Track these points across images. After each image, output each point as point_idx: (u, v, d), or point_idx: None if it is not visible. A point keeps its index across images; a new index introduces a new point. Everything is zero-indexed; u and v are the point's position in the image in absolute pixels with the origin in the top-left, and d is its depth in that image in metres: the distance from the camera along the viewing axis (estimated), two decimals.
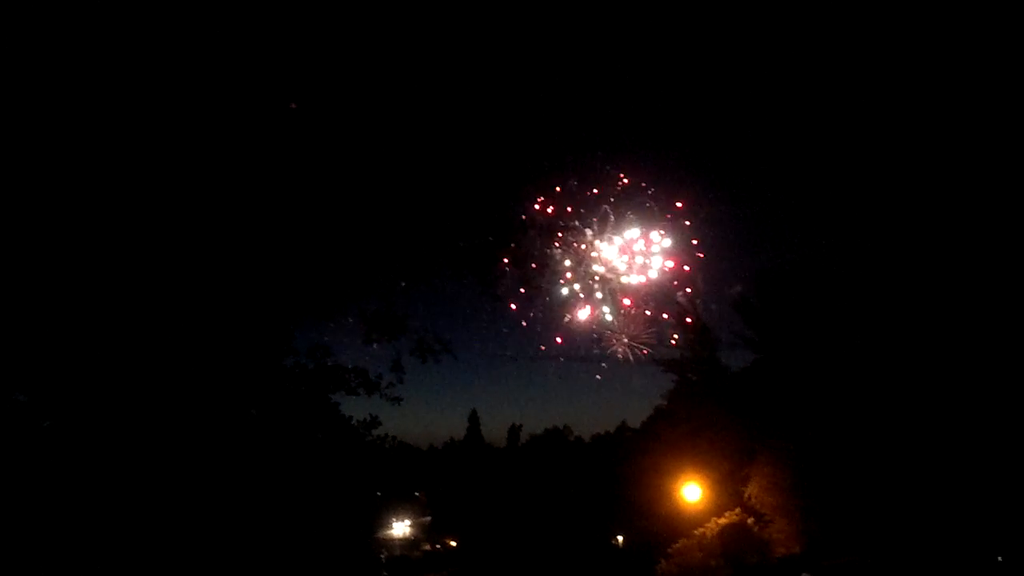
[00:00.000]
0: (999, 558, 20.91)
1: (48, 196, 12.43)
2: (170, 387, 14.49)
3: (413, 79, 14.41)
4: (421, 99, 14.73)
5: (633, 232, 20.90)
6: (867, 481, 23.98)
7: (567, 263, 18.91)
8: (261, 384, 16.60)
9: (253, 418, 16.55)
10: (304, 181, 14.47)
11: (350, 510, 21.90)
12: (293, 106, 13.66)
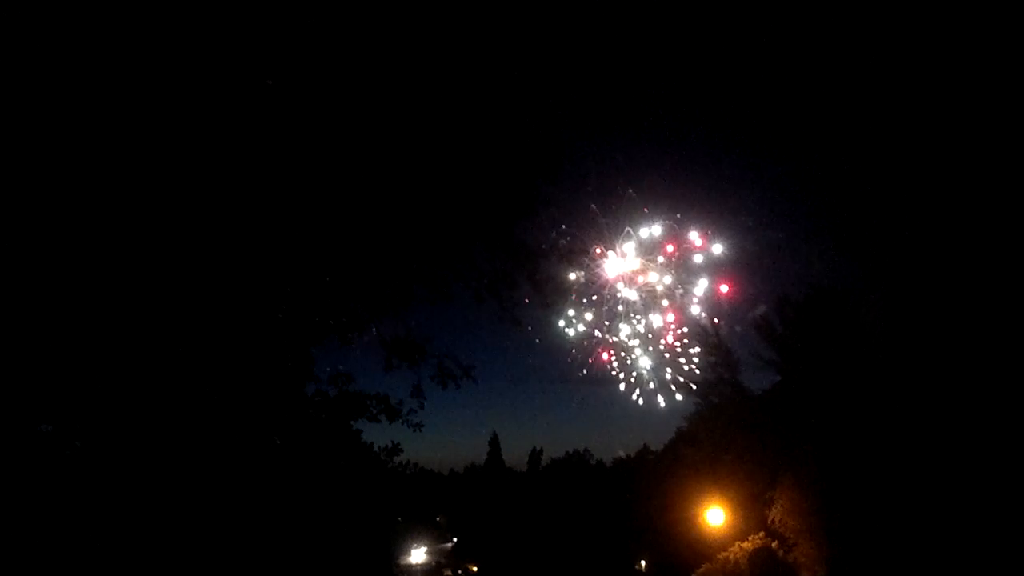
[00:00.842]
0: None
1: (74, 217, 12.55)
2: (194, 416, 14.57)
3: (438, 100, 14.51)
4: (443, 123, 14.84)
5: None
6: (892, 504, 23.74)
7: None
8: (284, 412, 16.68)
9: (277, 446, 16.62)
10: (326, 207, 14.59)
11: (372, 536, 21.90)
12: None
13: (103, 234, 12.79)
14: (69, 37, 11.53)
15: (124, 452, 14.38)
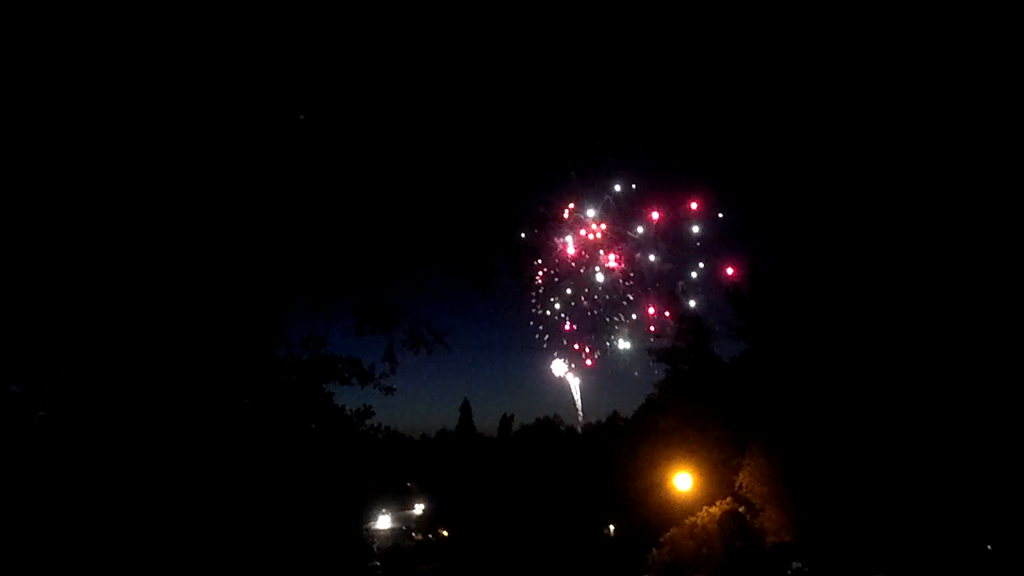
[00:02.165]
0: (988, 547, 21.09)
1: (39, 189, 12.41)
2: (163, 377, 14.47)
3: (409, 73, 14.42)
4: (416, 92, 14.74)
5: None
6: (858, 470, 24.13)
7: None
8: (254, 374, 16.59)
9: (247, 408, 16.54)
10: (297, 172, 14.46)
11: (343, 500, 21.94)
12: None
13: (71, 198, 12.66)
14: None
15: (92, 413, 14.28)
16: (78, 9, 11.53)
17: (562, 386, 73.27)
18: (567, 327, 59.90)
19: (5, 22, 10.97)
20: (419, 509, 70.84)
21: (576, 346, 59.41)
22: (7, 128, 11.62)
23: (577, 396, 67.78)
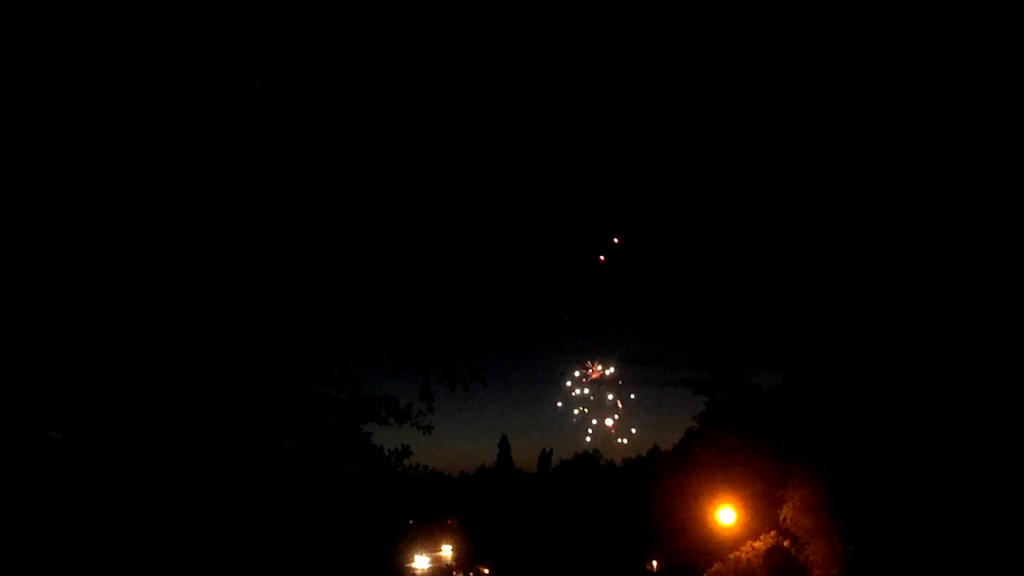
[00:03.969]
0: None
1: (90, 225, 12.58)
2: (205, 420, 14.59)
3: (453, 121, 14.61)
4: (455, 134, 14.91)
5: None
6: (905, 502, 23.64)
7: None
8: (293, 415, 16.69)
9: (287, 450, 16.63)
10: (338, 213, 14.62)
11: (382, 539, 21.91)
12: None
13: (118, 241, 12.84)
14: (69, 38, 11.54)
15: (135, 457, 14.41)
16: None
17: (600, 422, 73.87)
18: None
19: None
20: (459, 546, 70.53)
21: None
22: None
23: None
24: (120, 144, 12.24)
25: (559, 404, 71.07)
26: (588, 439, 72.46)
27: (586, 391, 71.89)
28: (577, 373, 70.78)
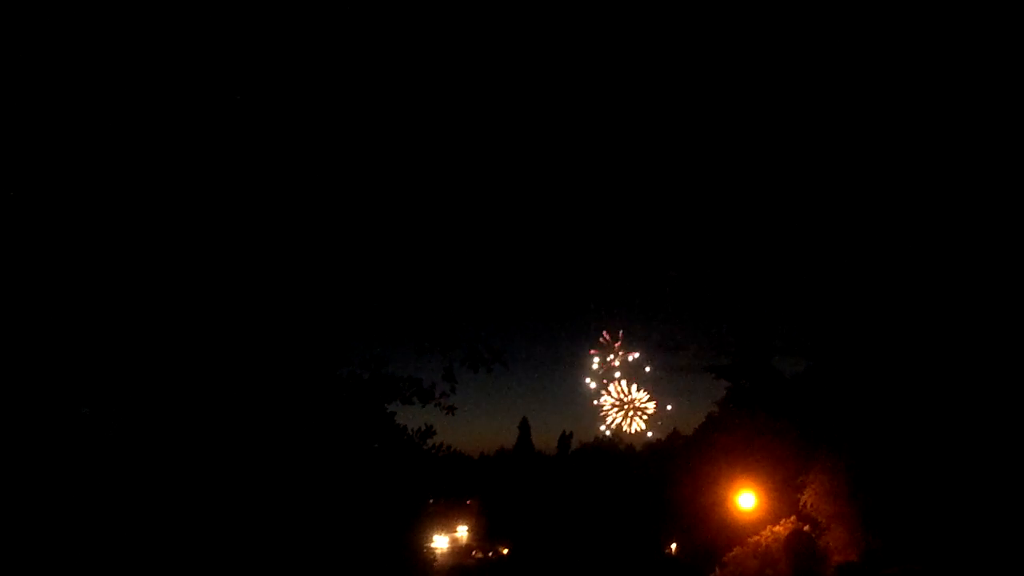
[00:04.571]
0: None
1: (100, 213, 12.73)
2: (227, 398, 14.76)
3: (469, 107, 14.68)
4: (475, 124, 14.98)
5: None
6: (926, 488, 23.59)
7: None
8: (319, 394, 16.84)
9: (312, 429, 16.80)
10: (361, 198, 14.73)
11: (404, 518, 22.06)
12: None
13: (144, 224, 13.00)
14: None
15: (158, 433, 14.61)
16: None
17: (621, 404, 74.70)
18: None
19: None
20: (479, 527, 70.96)
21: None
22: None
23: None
24: (148, 125, 12.40)
25: (589, 381, 72.72)
26: (605, 427, 74.14)
27: (616, 375, 73.91)
28: (596, 363, 72.86)
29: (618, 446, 72.58)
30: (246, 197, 13.76)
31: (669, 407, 76.22)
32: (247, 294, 14.48)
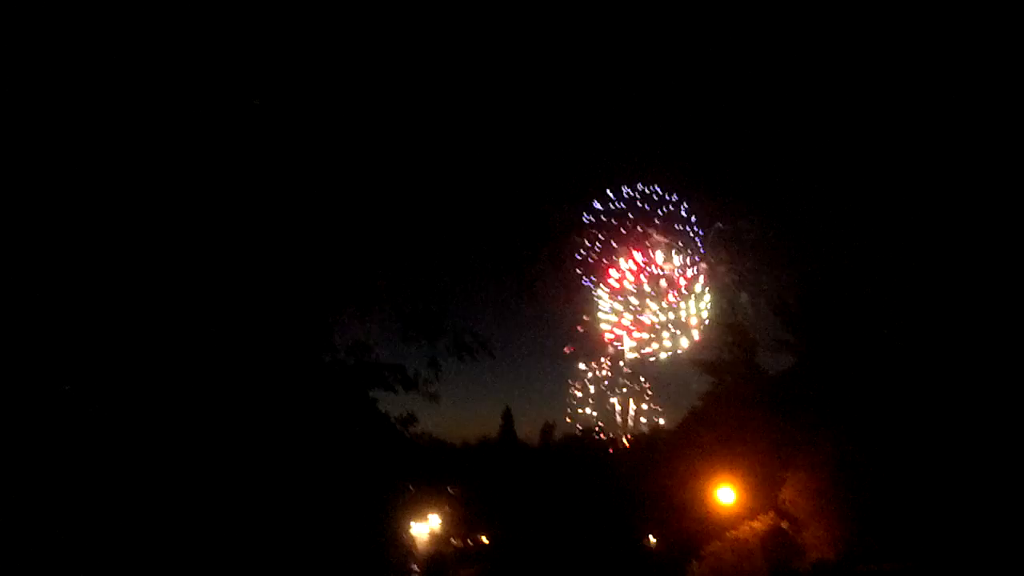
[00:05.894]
0: None
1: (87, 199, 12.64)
2: (210, 382, 14.69)
3: (455, 82, 14.58)
4: (462, 101, 14.88)
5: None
6: (904, 487, 23.74)
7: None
8: (302, 379, 16.80)
9: (293, 413, 16.76)
10: (346, 179, 14.64)
11: (384, 504, 22.08)
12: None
13: (122, 209, 12.91)
14: (71, 39, 11.57)
15: (141, 417, 14.53)
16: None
17: (604, 397, 74.38)
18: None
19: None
20: (459, 515, 70.93)
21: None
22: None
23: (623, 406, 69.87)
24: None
25: (581, 367, 69.70)
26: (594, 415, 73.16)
27: (602, 372, 71.99)
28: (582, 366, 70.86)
29: (600, 437, 72.76)
30: (226, 184, 13.67)
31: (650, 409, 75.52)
32: (230, 279, 14.41)
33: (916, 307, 25.22)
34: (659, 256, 60.01)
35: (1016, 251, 20.97)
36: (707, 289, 56.89)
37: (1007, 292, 21.68)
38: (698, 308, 58.57)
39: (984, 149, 20.12)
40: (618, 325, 63.87)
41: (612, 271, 61.61)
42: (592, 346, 68.36)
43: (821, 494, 26.99)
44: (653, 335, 61.67)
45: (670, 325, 60.64)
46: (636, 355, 64.16)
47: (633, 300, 61.58)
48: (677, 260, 59.51)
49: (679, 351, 60.99)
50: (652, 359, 63.96)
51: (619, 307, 62.22)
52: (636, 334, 62.69)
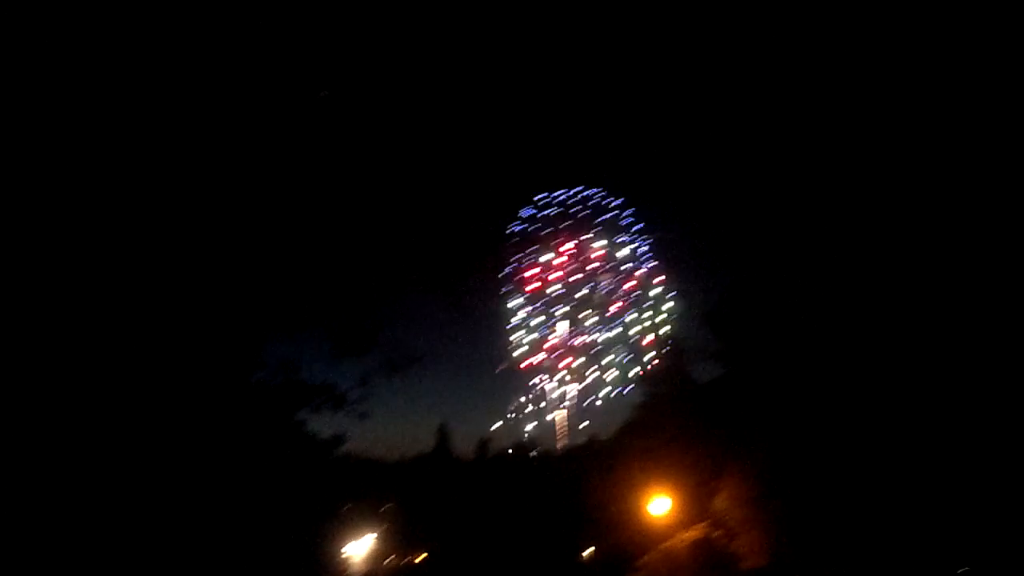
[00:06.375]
0: (966, 569, 20.98)
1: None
2: (138, 397, 14.24)
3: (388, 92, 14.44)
4: (394, 113, 14.73)
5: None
6: (836, 492, 24.05)
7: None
8: (227, 398, 16.36)
9: (218, 434, 16.29)
10: (280, 196, 14.38)
11: (315, 526, 21.64)
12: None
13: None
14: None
15: (72, 432, 13.99)
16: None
17: (540, 411, 74.23)
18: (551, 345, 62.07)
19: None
20: (396, 533, 70.13)
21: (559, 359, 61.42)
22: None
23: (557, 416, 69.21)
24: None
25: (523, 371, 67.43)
26: (527, 430, 72.55)
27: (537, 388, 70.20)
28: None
29: (536, 451, 72.73)
30: (161, 200, 13.35)
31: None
32: (158, 293, 14.01)
33: (844, 312, 25.64)
34: (597, 247, 56.90)
35: (950, 250, 21.45)
36: (666, 297, 54.41)
37: (943, 294, 22.14)
38: (653, 321, 55.62)
39: (914, 152, 20.57)
40: (543, 345, 61.59)
41: (533, 271, 58.29)
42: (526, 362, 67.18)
43: (753, 502, 27.24)
44: (589, 360, 59.39)
45: (617, 346, 57.97)
46: (572, 390, 61.64)
47: (561, 309, 59.50)
48: (620, 255, 56.64)
49: (626, 386, 57.65)
50: (595, 399, 61.21)
51: (540, 320, 59.75)
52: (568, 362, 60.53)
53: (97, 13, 11.54)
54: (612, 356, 58.27)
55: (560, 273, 58.74)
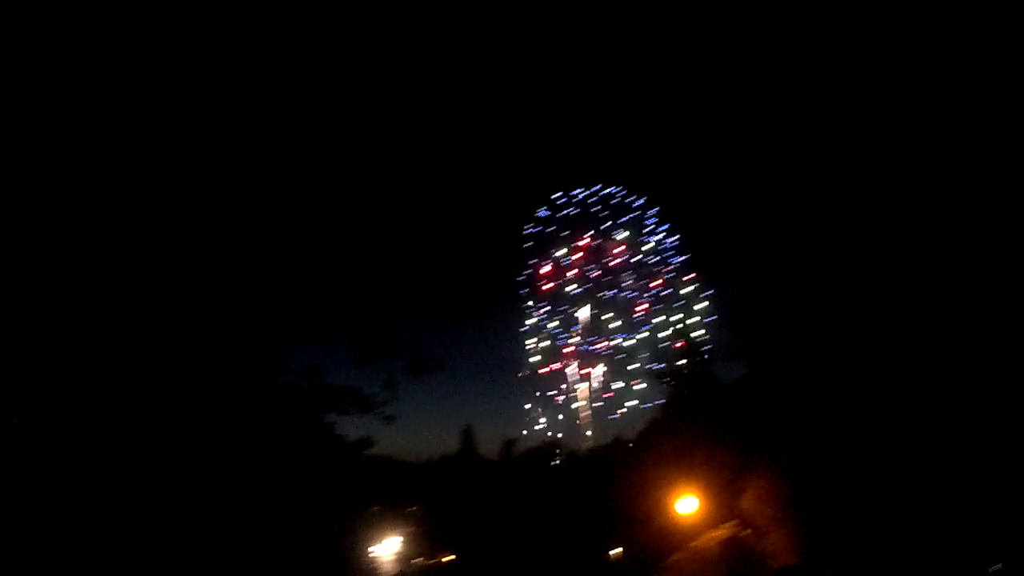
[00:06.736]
0: (999, 565, 20.81)
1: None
2: (166, 404, 14.42)
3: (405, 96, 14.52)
4: (410, 119, 14.81)
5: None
6: (864, 490, 23.93)
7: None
8: (255, 403, 16.53)
9: (247, 438, 16.47)
10: (305, 203, 14.53)
11: (343, 528, 21.80)
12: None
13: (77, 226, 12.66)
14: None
15: (98, 440, 14.20)
16: (78, 9, 11.56)
17: (566, 412, 74.13)
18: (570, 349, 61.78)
19: (6, 22, 11.01)
20: (423, 534, 70.32)
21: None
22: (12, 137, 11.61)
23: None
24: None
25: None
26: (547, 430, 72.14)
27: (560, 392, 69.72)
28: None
29: (561, 451, 72.79)
30: (185, 206, 13.49)
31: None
32: (188, 299, 14.18)
33: (868, 308, 25.52)
34: (618, 246, 55.55)
35: (965, 256, 21.35)
36: (699, 296, 52.70)
37: (962, 297, 22.03)
38: (684, 323, 53.82)
39: (920, 157, 20.49)
40: (564, 350, 61.05)
41: (551, 273, 57.53)
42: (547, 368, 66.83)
43: (781, 500, 27.13)
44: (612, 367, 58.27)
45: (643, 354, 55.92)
46: (596, 394, 60.80)
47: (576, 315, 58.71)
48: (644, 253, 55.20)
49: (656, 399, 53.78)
50: (617, 413, 59.76)
51: (556, 324, 58.52)
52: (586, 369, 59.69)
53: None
54: (637, 364, 57.36)
55: (579, 274, 58.14)
